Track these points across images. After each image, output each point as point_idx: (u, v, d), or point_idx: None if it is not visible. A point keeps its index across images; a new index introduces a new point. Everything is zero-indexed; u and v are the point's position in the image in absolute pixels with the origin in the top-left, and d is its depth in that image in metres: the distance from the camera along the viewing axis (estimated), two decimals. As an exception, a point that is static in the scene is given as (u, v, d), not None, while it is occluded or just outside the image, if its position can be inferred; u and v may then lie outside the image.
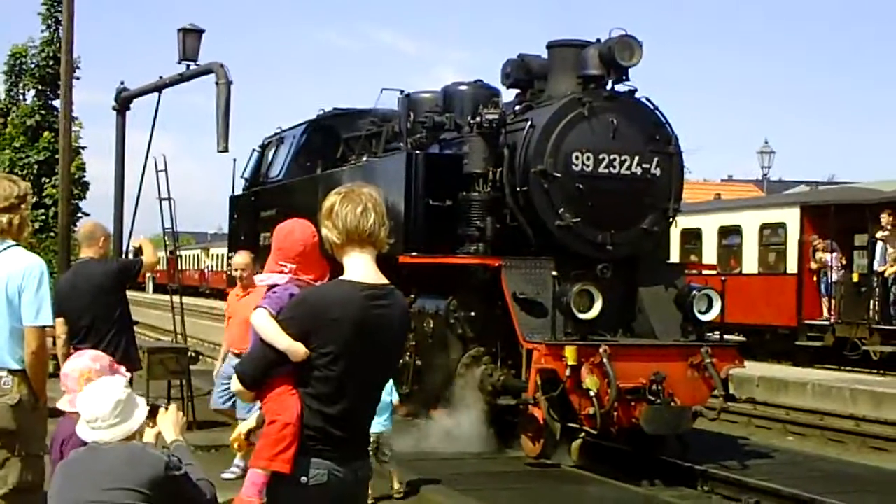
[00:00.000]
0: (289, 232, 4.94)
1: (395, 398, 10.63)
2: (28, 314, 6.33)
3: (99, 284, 9.50)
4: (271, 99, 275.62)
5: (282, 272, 4.86)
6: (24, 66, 34.63)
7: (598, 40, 13.45)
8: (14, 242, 6.50)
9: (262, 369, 4.59)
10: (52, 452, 5.62)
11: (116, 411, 4.64)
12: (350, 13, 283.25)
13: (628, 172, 13.35)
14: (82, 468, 4.58)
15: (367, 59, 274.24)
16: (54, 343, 9.09)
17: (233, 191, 21.84)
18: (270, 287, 4.86)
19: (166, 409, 5.04)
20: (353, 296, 4.55)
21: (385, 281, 4.68)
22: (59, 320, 8.95)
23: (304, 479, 4.52)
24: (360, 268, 4.63)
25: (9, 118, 34.78)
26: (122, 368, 5.60)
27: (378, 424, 10.10)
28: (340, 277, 4.65)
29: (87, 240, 9.86)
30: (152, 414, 4.98)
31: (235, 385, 4.68)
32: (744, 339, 25.63)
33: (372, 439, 10.13)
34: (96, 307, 9.42)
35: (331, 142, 18.60)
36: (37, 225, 27.38)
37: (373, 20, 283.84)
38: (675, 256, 20.67)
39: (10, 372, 6.37)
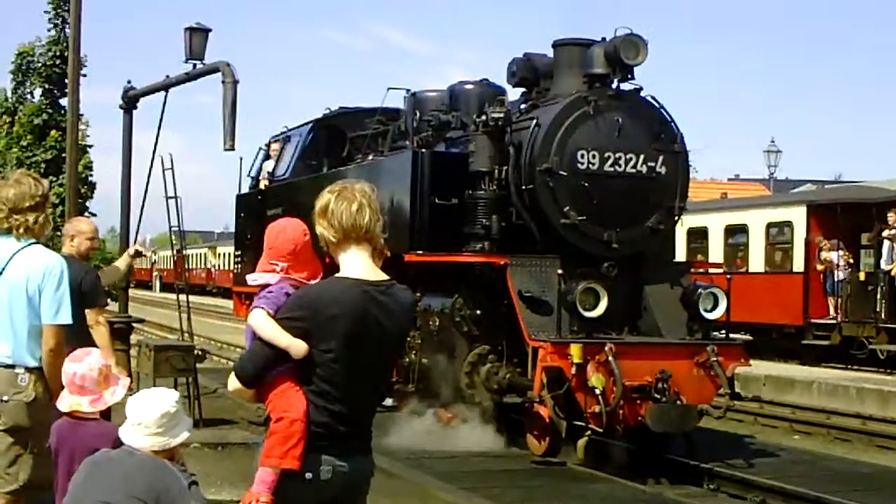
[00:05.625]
0: (280, 230, 4.91)
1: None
2: (48, 312, 6.35)
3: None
4: (278, 98, 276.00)
5: (273, 271, 4.85)
6: (31, 66, 34.75)
7: (604, 39, 13.45)
8: (35, 241, 6.52)
9: (262, 367, 4.58)
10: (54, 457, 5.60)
11: (161, 421, 4.69)
12: (358, 12, 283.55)
13: (634, 171, 13.36)
14: (106, 468, 4.63)
15: (375, 59, 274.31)
16: None
17: (239, 189, 21.91)
18: (263, 286, 4.85)
19: None
20: (352, 292, 4.56)
21: (383, 276, 4.68)
22: None
23: (309, 475, 4.54)
24: (358, 264, 4.64)
25: (16, 117, 34.91)
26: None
27: None
28: (337, 274, 4.66)
29: (69, 235, 9.34)
30: None
31: (233, 384, 4.70)
32: (750, 337, 25.61)
33: None
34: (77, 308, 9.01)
35: (337, 140, 18.66)
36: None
37: (381, 19, 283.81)
38: (681, 255, 20.67)
39: (28, 369, 6.39)
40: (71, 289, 8.83)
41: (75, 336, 8.64)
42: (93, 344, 8.71)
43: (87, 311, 8.98)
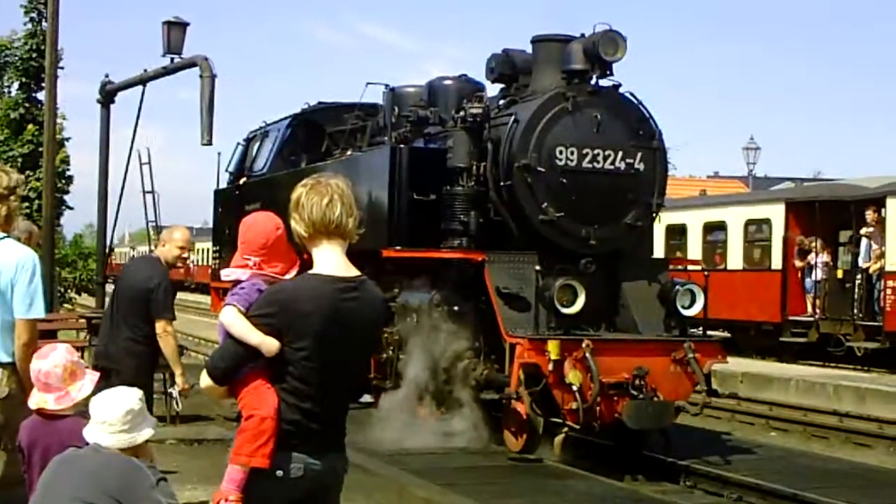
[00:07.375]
0: (251, 224, 4.91)
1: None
2: (21, 307, 6.33)
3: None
4: (258, 93, 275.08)
5: (246, 266, 4.83)
6: (7, 59, 34.57)
7: (583, 35, 13.43)
8: (4, 234, 6.48)
9: (233, 364, 4.56)
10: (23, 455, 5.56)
11: (126, 419, 4.74)
12: (339, 7, 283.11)
13: (612, 167, 13.34)
14: (74, 465, 4.65)
15: (356, 54, 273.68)
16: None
17: (217, 185, 21.84)
18: (236, 283, 4.83)
19: None
20: (324, 289, 4.54)
21: (356, 273, 4.66)
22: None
23: (279, 472, 4.51)
24: (330, 260, 4.61)
25: (-8, 111, 34.70)
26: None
27: None
28: (310, 271, 4.63)
29: (163, 240, 10.07)
30: None
31: (205, 381, 4.66)
32: (728, 334, 25.70)
33: None
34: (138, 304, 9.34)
35: (315, 136, 18.60)
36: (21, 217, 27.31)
37: (366, 15, 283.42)
38: (659, 252, 20.70)
39: (1, 365, 6.35)
40: (145, 289, 9.13)
41: (141, 333, 8.99)
42: (155, 348, 9.01)
43: (156, 320, 9.15)
